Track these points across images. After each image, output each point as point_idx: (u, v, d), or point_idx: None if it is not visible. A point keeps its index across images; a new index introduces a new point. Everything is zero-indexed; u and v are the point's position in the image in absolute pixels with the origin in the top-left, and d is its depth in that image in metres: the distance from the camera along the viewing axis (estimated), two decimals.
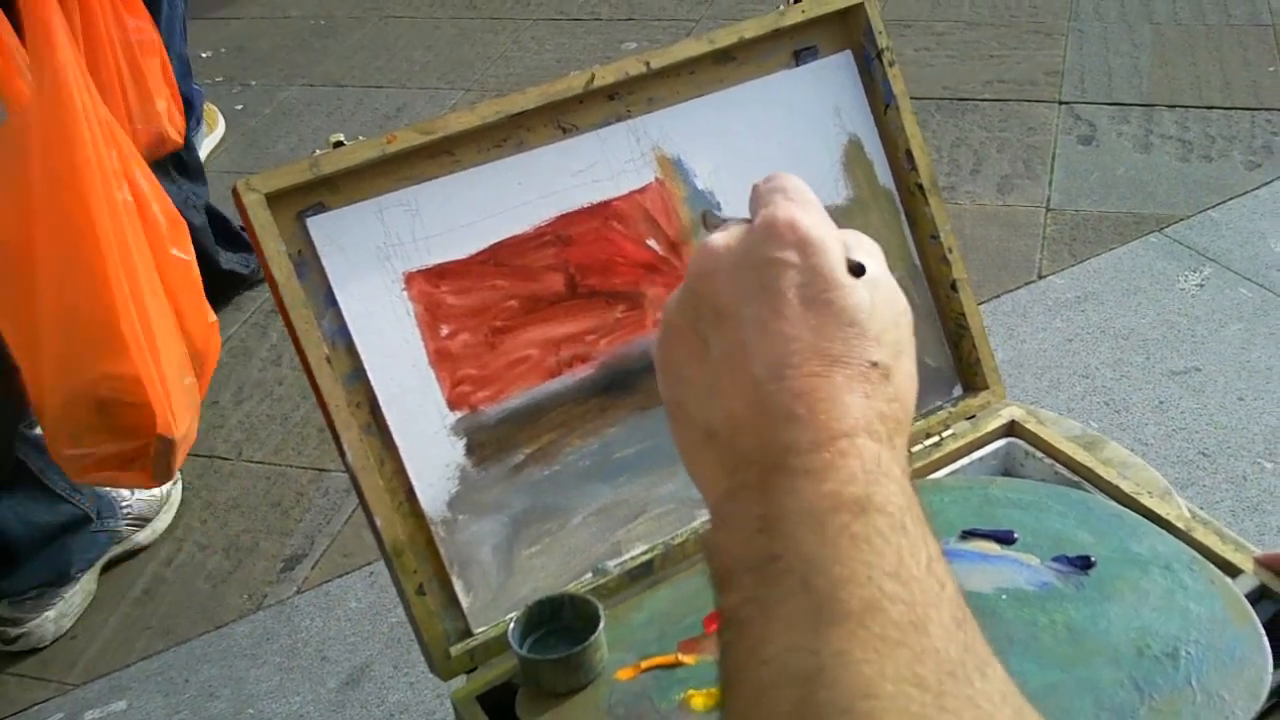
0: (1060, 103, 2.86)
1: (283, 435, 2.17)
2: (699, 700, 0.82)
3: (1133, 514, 0.92)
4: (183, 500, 2.06)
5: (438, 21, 3.61)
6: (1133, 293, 2.24)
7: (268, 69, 3.52)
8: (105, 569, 1.92)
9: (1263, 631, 0.79)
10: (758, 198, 0.55)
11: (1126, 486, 0.95)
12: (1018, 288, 2.29)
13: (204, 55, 3.62)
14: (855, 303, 0.50)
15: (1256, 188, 2.49)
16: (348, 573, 1.88)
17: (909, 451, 0.50)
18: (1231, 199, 2.47)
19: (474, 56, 3.43)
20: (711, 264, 0.52)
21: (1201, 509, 0.98)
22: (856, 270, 0.51)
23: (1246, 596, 0.83)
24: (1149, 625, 0.80)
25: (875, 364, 0.49)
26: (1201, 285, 2.24)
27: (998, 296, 2.26)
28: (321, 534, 1.96)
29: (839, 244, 0.52)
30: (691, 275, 0.54)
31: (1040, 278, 2.32)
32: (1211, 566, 0.86)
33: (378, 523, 0.88)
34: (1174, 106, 2.80)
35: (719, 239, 0.53)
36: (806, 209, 0.53)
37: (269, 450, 2.15)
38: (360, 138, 0.87)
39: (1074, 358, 2.10)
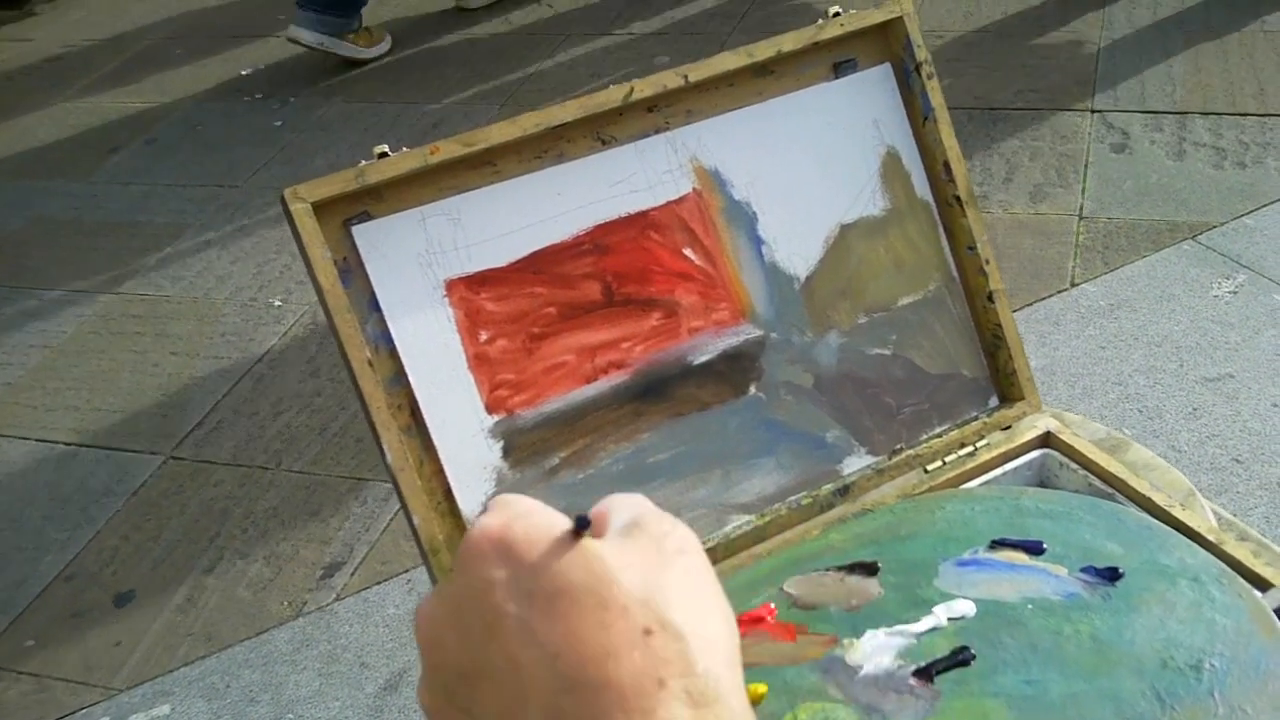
0: (1093, 111, 2.86)
1: (321, 445, 2.21)
2: None
3: (1163, 526, 0.92)
4: (223, 509, 2.09)
5: (473, 37, 3.65)
6: (1166, 300, 2.24)
7: (306, 86, 3.56)
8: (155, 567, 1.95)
9: None
10: None
11: (1159, 499, 0.95)
12: (1050, 295, 2.29)
13: (244, 72, 3.68)
14: (594, 573, 0.42)
15: None
16: (386, 580, 1.91)
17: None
18: (1266, 206, 2.45)
19: (508, 71, 3.46)
20: (429, 628, 0.45)
21: (1234, 516, 0.99)
22: (579, 526, 0.44)
23: (1276, 611, 0.83)
24: (1174, 637, 0.80)
25: (649, 630, 0.41)
26: (1235, 292, 2.23)
27: (1030, 304, 2.27)
28: (360, 542, 1.99)
29: (550, 522, 0.45)
30: (421, 649, 0.45)
31: (1073, 285, 2.32)
32: (1240, 580, 0.85)
33: (416, 522, 0.90)
34: (1207, 113, 2.79)
35: (426, 598, 0.46)
36: (503, 508, 0.45)
37: (308, 460, 2.18)
38: (405, 149, 0.90)
39: (1107, 365, 2.10)
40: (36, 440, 2.34)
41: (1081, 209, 2.54)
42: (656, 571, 0.44)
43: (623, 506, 0.47)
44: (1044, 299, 2.28)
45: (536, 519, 0.45)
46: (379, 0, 3.96)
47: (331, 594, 1.90)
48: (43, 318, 2.72)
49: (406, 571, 1.91)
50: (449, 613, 0.44)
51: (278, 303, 2.63)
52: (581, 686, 0.41)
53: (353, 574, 1.93)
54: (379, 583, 1.91)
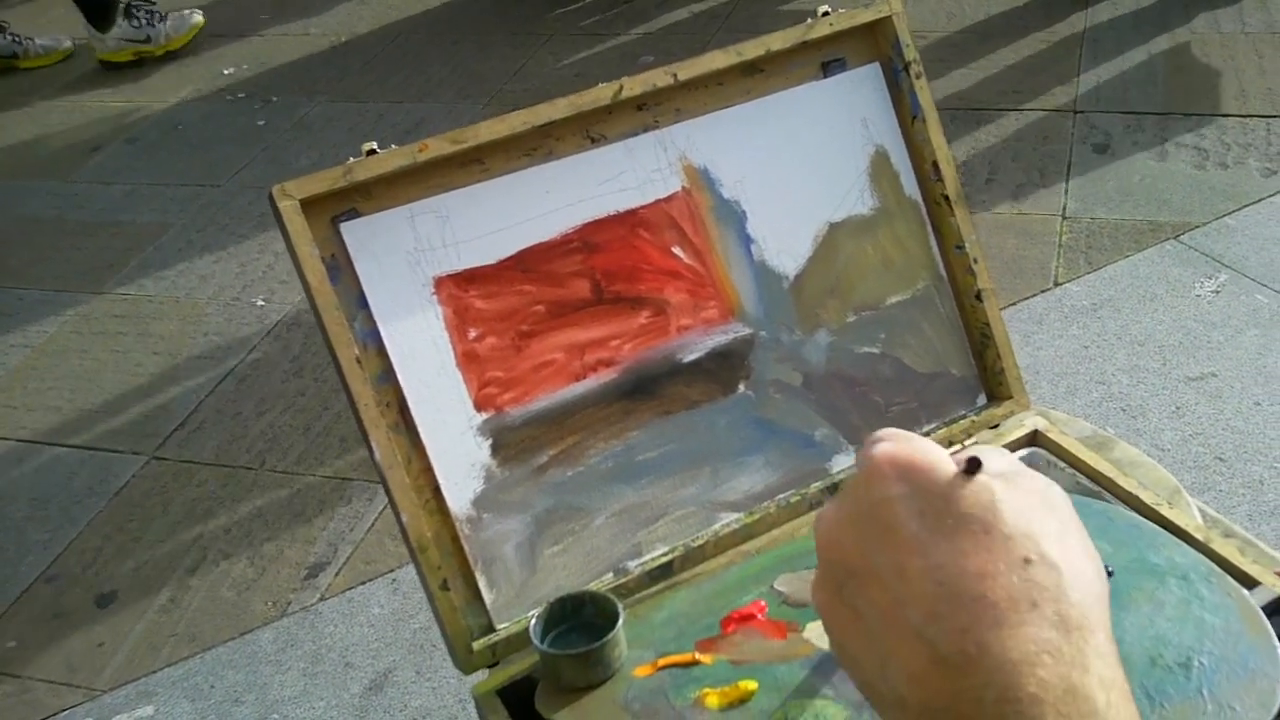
0: (1075, 111, 2.87)
1: (305, 445, 2.20)
2: (713, 699, 0.83)
3: (1151, 525, 0.92)
4: (206, 509, 2.08)
5: (457, 36, 3.64)
6: (1149, 300, 2.25)
7: (289, 85, 3.55)
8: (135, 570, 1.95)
9: (1277, 643, 0.79)
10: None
11: (1146, 496, 0.96)
12: (1034, 295, 2.30)
13: (226, 72, 3.66)
14: (983, 503, 0.48)
15: (1272, 194, 2.49)
16: (370, 580, 1.90)
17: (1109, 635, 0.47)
18: (1247, 206, 2.47)
19: (491, 71, 3.46)
20: (829, 530, 0.51)
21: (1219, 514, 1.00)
22: (971, 468, 0.49)
23: (1264, 608, 0.83)
24: (1163, 635, 0.80)
25: (1028, 560, 0.46)
26: (1217, 292, 2.24)
27: (1014, 304, 2.27)
28: (344, 542, 1.98)
29: (944, 456, 0.50)
30: (818, 549, 0.52)
31: (1056, 285, 2.33)
32: (1229, 578, 0.85)
33: (404, 519, 0.90)
34: (1189, 114, 2.80)
35: (828, 505, 0.52)
36: (902, 439, 0.51)
37: (292, 460, 2.17)
38: (394, 146, 0.90)
39: (1090, 364, 2.11)
40: (17, 441, 2.32)
41: (1064, 209, 2.55)
42: (1038, 512, 0.49)
43: (997, 458, 0.51)
44: (1027, 299, 2.29)
45: (933, 450, 0.51)
46: (360, 0, 3.97)
47: (316, 594, 1.90)
48: (24, 318, 2.70)
49: (391, 571, 1.91)
50: (849, 518, 0.50)
51: (260, 302, 2.62)
52: (958, 597, 0.46)
53: (337, 574, 1.93)
54: (363, 582, 1.90)
